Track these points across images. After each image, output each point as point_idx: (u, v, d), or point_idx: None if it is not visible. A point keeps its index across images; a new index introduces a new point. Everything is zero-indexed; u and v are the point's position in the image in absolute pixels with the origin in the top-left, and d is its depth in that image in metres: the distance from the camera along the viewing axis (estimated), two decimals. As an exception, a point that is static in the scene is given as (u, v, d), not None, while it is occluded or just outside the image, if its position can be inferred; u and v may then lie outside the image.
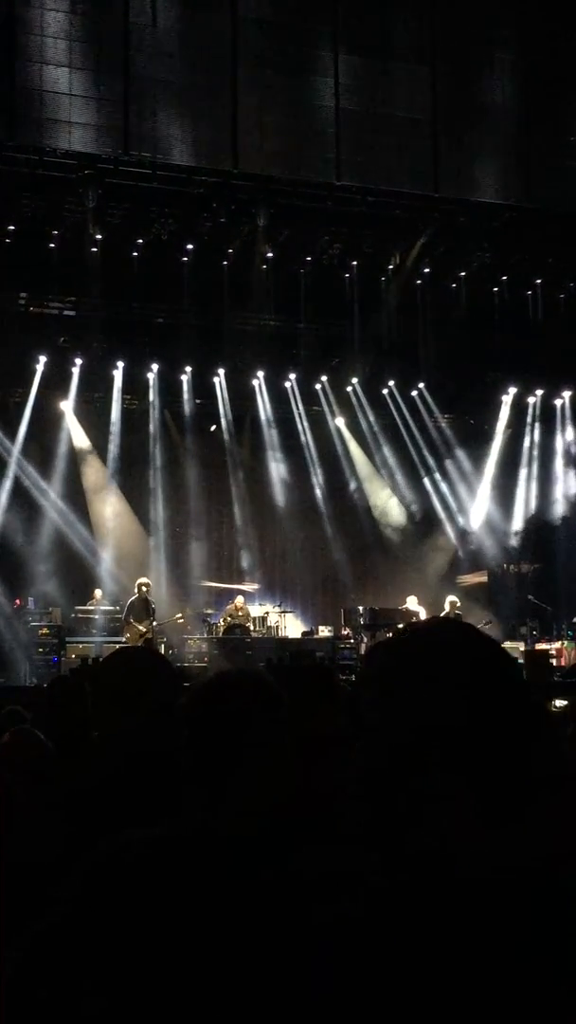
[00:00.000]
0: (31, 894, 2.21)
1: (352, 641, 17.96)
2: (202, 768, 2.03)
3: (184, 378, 20.07)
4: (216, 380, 20.24)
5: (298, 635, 19.15)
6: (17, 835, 2.72)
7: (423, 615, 18.22)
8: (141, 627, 16.58)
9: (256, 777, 2.02)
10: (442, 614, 17.52)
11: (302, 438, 21.34)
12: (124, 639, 16.65)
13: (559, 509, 21.64)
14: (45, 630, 17.45)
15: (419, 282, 17.07)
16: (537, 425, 21.67)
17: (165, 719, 2.80)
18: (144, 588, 17.10)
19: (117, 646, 15.74)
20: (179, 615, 18.38)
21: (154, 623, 17.01)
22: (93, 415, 20.21)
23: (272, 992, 1.79)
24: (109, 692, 2.99)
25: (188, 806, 2.03)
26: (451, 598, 17.81)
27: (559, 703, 7.78)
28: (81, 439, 20.06)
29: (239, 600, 18.80)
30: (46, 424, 19.50)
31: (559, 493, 21.75)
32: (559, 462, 21.81)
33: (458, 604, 17.62)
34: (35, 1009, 1.90)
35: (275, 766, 2.04)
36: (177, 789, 2.12)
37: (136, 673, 2.98)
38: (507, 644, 18.63)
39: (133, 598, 17.01)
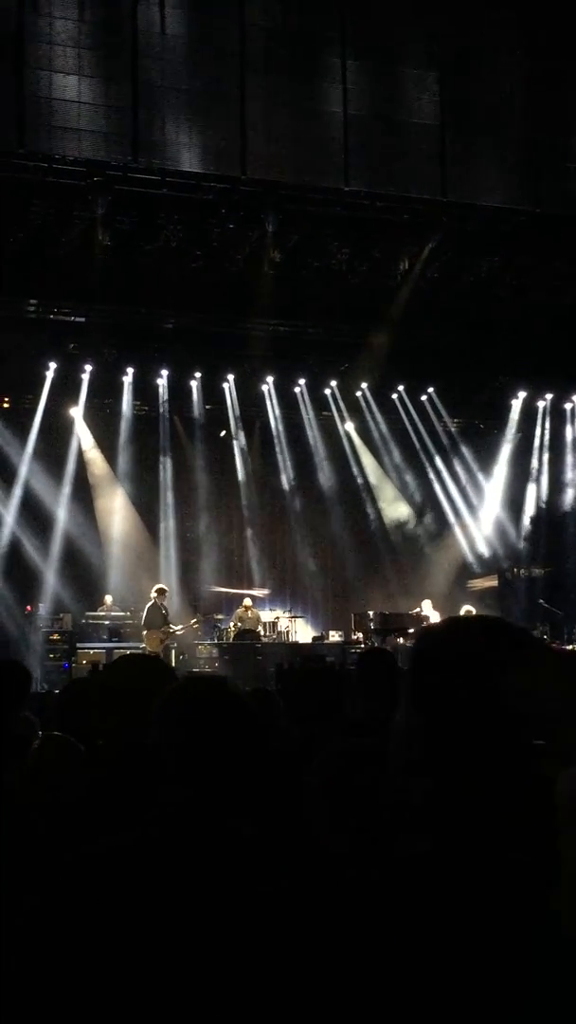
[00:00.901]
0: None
1: (363, 646, 17.94)
2: (169, 768, 2.09)
3: (193, 384, 20.12)
4: (225, 386, 20.28)
5: (308, 640, 19.14)
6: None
7: (435, 619, 18.22)
8: (160, 633, 16.62)
9: (223, 778, 2.07)
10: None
11: (311, 443, 21.36)
12: (143, 645, 16.68)
13: (569, 512, 21.62)
14: (56, 636, 17.51)
15: (428, 287, 17.06)
16: (547, 429, 21.67)
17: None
18: (159, 593, 17.14)
19: (129, 651, 15.78)
20: (194, 621, 18.43)
21: (171, 629, 17.05)
22: (102, 421, 20.27)
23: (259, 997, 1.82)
24: (114, 699, 3.01)
25: (161, 805, 2.07)
26: (466, 607, 17.75)
27: None
28: (90, 445, 20.11)
29: (247, 603, 18.83)
30: (56, 430, 19.57)
31: (569, 496, 21.74)
32: (569, 465, 21.80)
33: (473, 613, 17.55)
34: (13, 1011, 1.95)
35: (241, 769, 2.09)
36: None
37: (139, 680, 3.00)
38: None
39: (150, 604, 17.04)
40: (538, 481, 21.89)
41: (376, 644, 17.51)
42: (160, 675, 3.04)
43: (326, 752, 2.63)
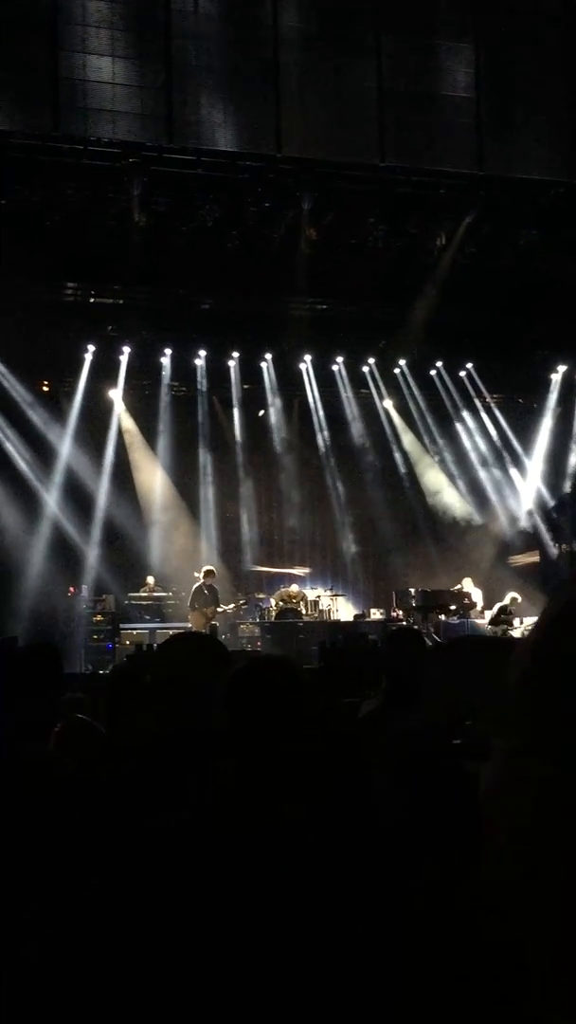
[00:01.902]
0: (76, 877, 2.27)
1: (405, 623, 17.93)
2: (236, 743, 2.11)
3: (231, 364, 20.13)
4: (263, 365, 20.28)
5: (350, 618, 19.16)
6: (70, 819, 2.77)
7: (477, 597, 18.19)
8: (207, 612, 16.70)
9: (282, 754, 2.09)
10: (499, 605, 17.47)
11: (350, 421, 21.33)
12: (189, 625, 16.79)
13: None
14: (99, 617, 17.64)
15: (466, 261, 16.93)
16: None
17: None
18: (207, 574, 17.21)
19: (171, 632, 15.87)
20: (242, 601, 18.53)
21: (219, 609, 17.13)
22: (141, 403, 20.35)
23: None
24: (169, 676, 3.02)
25: (218, 778, 2.10)
26: (512, 595, 17.66)
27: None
28: (130, 427, 20.19)
29: (293, 587, 18.89)
30: (95, 413, 19.66)
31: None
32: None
33: (519, 600, 17.47)
34: (67, 982, 1.99)
35: (300, 743, 2.11)
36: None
37: (194, 657, 3.02)
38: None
39: (197, 584, 17.12)
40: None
41: (418, 621, 17.52)
42: (214, 655, 3.05)
43: (397, 731, 2.62)
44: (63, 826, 2.72)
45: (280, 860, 1.98)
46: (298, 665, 2.26)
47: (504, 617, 16.99)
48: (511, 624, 17.00)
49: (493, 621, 17.29)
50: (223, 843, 2.00)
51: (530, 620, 18.25)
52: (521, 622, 16.86)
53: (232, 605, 18.20)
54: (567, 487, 21.57)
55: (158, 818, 2.07)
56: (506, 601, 17.48)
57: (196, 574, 17.50)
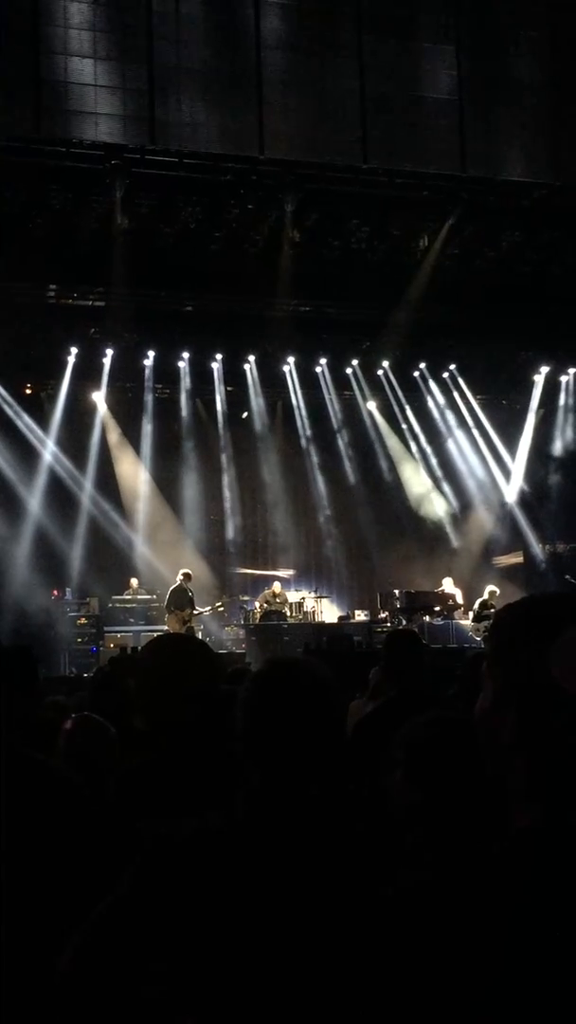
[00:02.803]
0: (86, 879, 2.25)
1: (389, 625, 17.94)
2: (255, 753, 2.07)
3: (215, 366, 20.11)
4: (247, 367, 20.26)
5: (335, 620, 19.16)
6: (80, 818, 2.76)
7: (459, 597, 18.21)
8: (183, 615, 16.66)
9: (308, 766, 2.05)
10: (479, 600, 17.50)
11: (334, 423, 21.35)
12: (166, 627, 16.74)
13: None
14: (83, 620, 17.60)
15: (448, 263, 16.96)
16: (570, 403, 21.55)
17: (208, 703, 2.83)
18: (185, 577, 17.17)
19: (155, 634, 15.83)
20: (219, 603, 18.49)
21: (195, 611, 17.08)
22: (125, 405, 20.30)
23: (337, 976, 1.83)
24: (152, 678, 3.01)
25: (240, 789, 2.06)
26: (491, 588, 17.69)
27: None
28: (113, 429, 20.15)
29: (276, 586, 18.86)
30: (78, 415, 19.60)
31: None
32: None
33: (497, 594, 17.50)
34: (97, 987, 1.98)
35: (327, 754, 2.07)
36: (225, 772, 2.15)
37: (178, 658, 3.01)
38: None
39: (174, 587, 17.08)
40: (563, 455, 21.77)
41: (403, 622, 17.52)
42: (196, 654, 3.04)
43: (419, 723, 2.61)
44: (73, 834, 2.70)
45: (313, 867, 1.96)
46: (327, 670, 2.20)
47: (485, 612, 17.00)
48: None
49: (476, 618, 17.31)
50: (255, 851, 1.97)
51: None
52: None
53: (209, 608, 18.15)
54: (549, 485, 21.62)
55: (185, 825, 2.03)
56: (485, 596, 17.50)
57: (178, 577, 17.46)
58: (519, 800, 1.36)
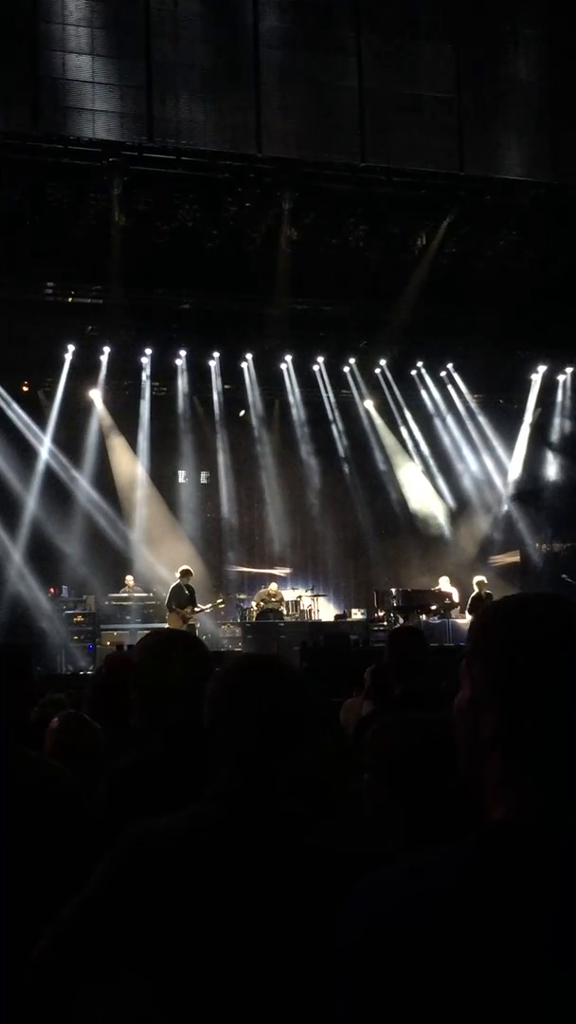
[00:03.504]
0: (73, 876, 2.26)
1: (386, 623, 17.95)
2: (226, 748, 2.08)
3: (212, 364, 20.11)
4: (244, 365, 20.26)
5: (331, 618, 19.16)
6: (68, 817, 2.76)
7: (456, 596, 18.21)
8: (184, 613, 16.66)
9: (280, 758, 2.07)
10: (471, 596, 17.49)
11: (331, 421, 21.34)
12: (166, 625, 16.73)
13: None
14: (80, 618, 17.60)
15: (446, 262, 16.95)
16: (567, 402, 21.56)
17: (200, 699, 2.84)
18: (184, 574, 17.16)
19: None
20: (220, 600, 18.50)
21: (196, 609, 17.07)
22: (122, 403, 20.30)
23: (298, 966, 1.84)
24: (143, 676, 3.01)
25: (214, 785, 2.08)
26: (478, 578, 17.70)
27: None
28: (110, 427, 20.14)
29: (273, 586, 18.87)
30: (76, 413, 19.60)
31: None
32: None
33: (486, 583, 17.52)
34: (68, 979, 2.01)
35: (297, 747, 2.09)
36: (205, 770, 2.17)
37: (169, 655, 3.00)
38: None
39: (175, 584, 17.06)
40: (559, 455, 21.79)
41: (399, 621, 17.53)
42: (187, 650, 3.04)
43: (385, 725, 2.62)
44: (61, 831, 2.70)
45: (284, 860, 1.98)
46: (292, 664, 2.23)
47: (480, 606, 17.01)
48: None
49: (471, 610, 17.29)
50: (228, 845, 1.98)
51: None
52: None
53: (210, 605, 18.15)
54: (552, 488, 21.65)
55: (161, 820, 2.05)
56: (476, 590, 17.47)
57: (176, 574, 17.45)
58: (493, 795, 1.38)
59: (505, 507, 21.82)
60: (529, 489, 21.61)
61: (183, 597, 16.96)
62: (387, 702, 4.82)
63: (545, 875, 1.27)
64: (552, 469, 21.77)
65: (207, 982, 1.89)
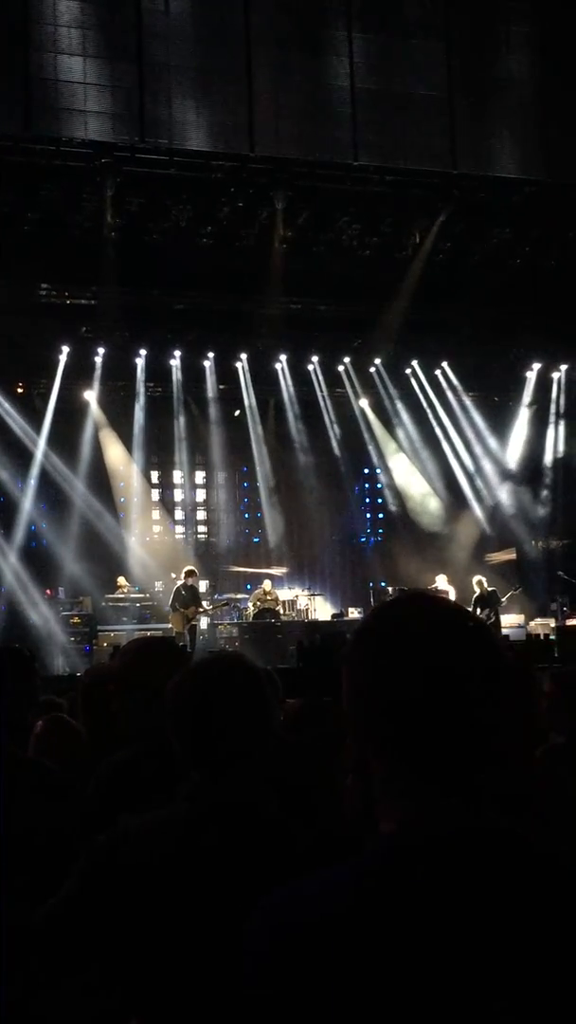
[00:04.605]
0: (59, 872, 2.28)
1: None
2: (188, 751, 2.11)
3: (207, 364, 20.11)
4: (239, 365, 20.25)
5: (328, 617, 19.16)
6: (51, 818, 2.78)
7: (452, 594, 18.21)
8: (187, 613, 16.65)
9: (238, 760, 2.09)
10: (474, 596, 17.51)
11: (326, 420, 21.35)
12: (169, 626, 16.75)
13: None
14: (76, 619, 17.58)
15: (440, 260, 16.96)
16: (562, 399, 21.58)
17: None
18: (188, 574, 17.15)
19: (149, 633, 15.85)
20: (225, 602, 18.50)
21: (200, 609, 17.05)
22: (117, 404, 20.29)
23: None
24: (121, 684, 3.05)
25: (181, 787, 2.11)
26: (477, 577, 17.74)
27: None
28: (106, 428, 20.14)
29: (267, 584, 18.84)
30: (71, 414, 19.59)
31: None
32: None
33: (485, 583, 17.54)
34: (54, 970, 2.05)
35: (258, 749, 2.10)
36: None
37: (144, 662, 3.04)
38: (538, 620, 18.69)
39: (178, 585, 17.04)
40: (555, 452, 21.82)
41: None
42: (168, 657, 3.07)
43: None
44: (44, 829, 2.72)
45: (259, 857, 1.99)
46: (248, 662, 2.24)
47: (483, 604, 17.12)
48: (495, 609, 17.12)
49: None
50: (201, 843, 2.00)
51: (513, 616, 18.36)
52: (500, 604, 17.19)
53: (211, 606, 18.15)
54: (548, 485, 21.68)
55: (138, 818, 2.08)
56: (476, 591, 17.49)
57: (174, 575, 17.44)
58: (382, 807, 1.35)
59: (501, 504, 21.82)
60: (526, 489, 21.63)
61: (184, 597, 16.94)
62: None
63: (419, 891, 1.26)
64: (546, 466, 21.81)
65: (173, 976, 1.91)
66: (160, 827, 2.04)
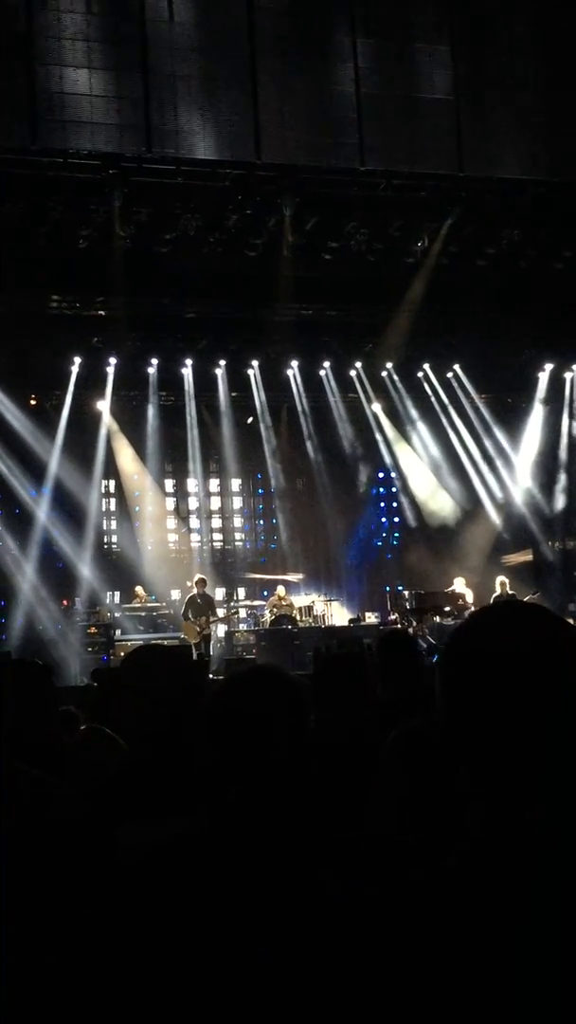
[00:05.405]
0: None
1: (399, 626, 17.92)
2: (223, 765, 2.05)
3: (218, 372, 20.14)
4: (250, 372, 20.28)
5: (345, 623, 19.14)
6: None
7: (470, 597, 18.18)
8: (200, 622, 16.66)
9: (276, 777, 2.03)
10: (493, 596, 17.46)
11: (339, 425, 21.35)
12: (182, 635, 16.76)
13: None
14: (93, 629, 17.61)
15: (448, 263, 16.94)
16: (575, 399, 21.54)
17: (174, 711, 2.87)
18: (200, 583, 17.17)
19: (166, 642, 15.86)
20: (232, 611, 18.53)
21: (213, 617, 17.06)
22: (130, 413, 20.34)
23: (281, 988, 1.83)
24: (125, 693, 3.05)
25: (209, 801, 2.06)
26: (501, 578, 17.72)
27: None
28: (119, 438, 20.18)
29: (281, 590, 18.84)
30: (84, 425, 19.64)
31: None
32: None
33: (507, 584, 17.52)
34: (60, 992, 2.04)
35: (295, 765, 2.05)
36: (191, 779, 2.16)
37: (144, 672, 3.04)
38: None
39: (191, 594, 17.08)
40: (570, 452, 21.76)
41: (413, 624, 17.50)
42: (174, 662, 3.07)
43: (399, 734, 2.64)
44: (60, 852, 2.71)
45: (282, 875, 1.95)
46: (292, 676, 2.18)
47: None
48: None
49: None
50: (224, 861, 1.97)
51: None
52: None
53: (224, 614, 18.16)
54: (563, 485, 21.63)
55: (156, 835, 2.04)
56: (497, 591, 17.47)
57: (189, 583, 17.47)
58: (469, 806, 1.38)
59: (516, 506, 21.77)
60: (542, 490, 21.58)
61: (198, 606, 16.97)
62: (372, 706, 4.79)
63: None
64: (562, 467, 21.75)
65: (201, 1000, 1.88)
66: (177, 840, 2.01)
